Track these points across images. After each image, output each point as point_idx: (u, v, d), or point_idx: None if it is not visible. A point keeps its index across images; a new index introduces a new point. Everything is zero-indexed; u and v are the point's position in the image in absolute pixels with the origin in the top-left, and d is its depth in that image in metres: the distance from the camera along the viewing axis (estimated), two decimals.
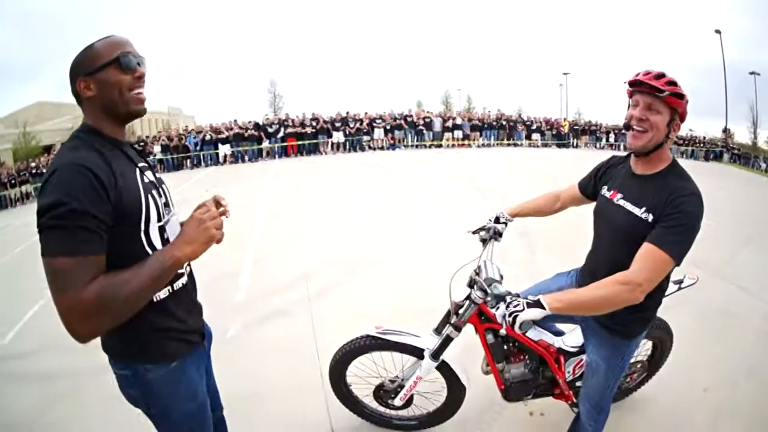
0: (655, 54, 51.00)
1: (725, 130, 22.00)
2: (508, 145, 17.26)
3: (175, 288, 1.25)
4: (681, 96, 1.34)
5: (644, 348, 2.29)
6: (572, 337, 1.94)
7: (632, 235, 1.38)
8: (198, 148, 14.43)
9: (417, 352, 1.88)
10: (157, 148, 14.09)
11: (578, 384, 1.93)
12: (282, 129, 14.76)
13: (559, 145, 17.74)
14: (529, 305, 1.28)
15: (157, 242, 1.16)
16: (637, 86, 1.36)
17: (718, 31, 22.85)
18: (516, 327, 1.27)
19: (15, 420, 2.57)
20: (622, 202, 1.47)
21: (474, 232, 2.01)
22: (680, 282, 2.09)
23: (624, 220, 1.44)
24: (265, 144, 14.59)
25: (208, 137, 14.36)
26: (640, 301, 1.29)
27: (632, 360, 2.17)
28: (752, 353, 3.05)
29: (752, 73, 23.15)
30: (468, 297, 1.72)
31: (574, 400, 1.99)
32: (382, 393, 2.02)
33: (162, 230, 1.18)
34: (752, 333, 3.34)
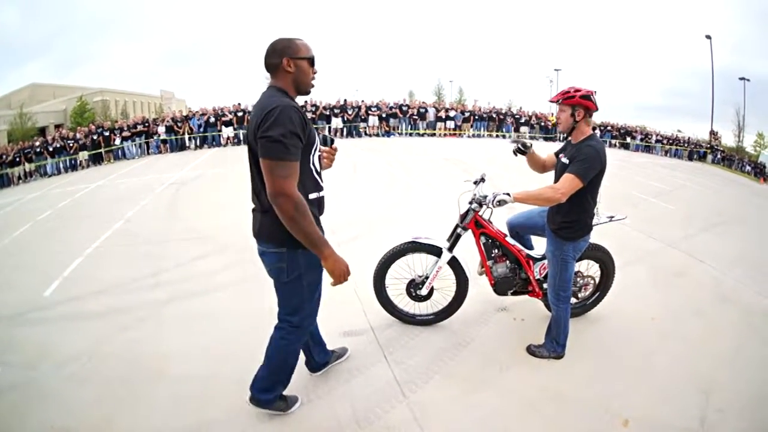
0: (646, 56, 52.21)
1: (713, 132, 22.57)
2: (497, 136, 18.09)
3: (320, 194, 1.84)
4: (572, 97, 2.34)
5: (593, 269, 3.11)
6: (537, 250, 2.89)
7: (562, 171, 2.42)
8: (201, 129, 14.94)
9: (438, 251, 2.76)
10: (161, 129, 14.58)
11: (545, 286, 2.83)
12: None
13: (546, 139, 18.39)
14: (504, 194, 2.34)
15: (316, 162, 1.82)
16: (553, 101, 2.45)
17: (708, 37, 23.78)
18: (495, 201, 2.34)
19: (71, 353, 2.83)
20: (563, 159, 2.50)
21: (474, 182, 2.87)
22: (612, 216, 2.97)
23: (560, 165, 2.50)
24: None
25: (212, 120, 14.87)
26: (561, 200, 2.27)
27: (584, 273, 3.07)
28: (700, 300, 3.58)
29: (742, 78, 23.93)
30: (468, 209, 2.68)
31: (541, 296, 2.90)
32: (413, 286, 2.88)
33: (316, 156, 1.81)
34: (700, 287, 3.87)
